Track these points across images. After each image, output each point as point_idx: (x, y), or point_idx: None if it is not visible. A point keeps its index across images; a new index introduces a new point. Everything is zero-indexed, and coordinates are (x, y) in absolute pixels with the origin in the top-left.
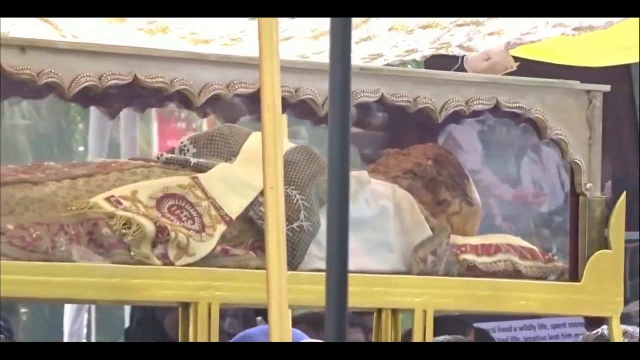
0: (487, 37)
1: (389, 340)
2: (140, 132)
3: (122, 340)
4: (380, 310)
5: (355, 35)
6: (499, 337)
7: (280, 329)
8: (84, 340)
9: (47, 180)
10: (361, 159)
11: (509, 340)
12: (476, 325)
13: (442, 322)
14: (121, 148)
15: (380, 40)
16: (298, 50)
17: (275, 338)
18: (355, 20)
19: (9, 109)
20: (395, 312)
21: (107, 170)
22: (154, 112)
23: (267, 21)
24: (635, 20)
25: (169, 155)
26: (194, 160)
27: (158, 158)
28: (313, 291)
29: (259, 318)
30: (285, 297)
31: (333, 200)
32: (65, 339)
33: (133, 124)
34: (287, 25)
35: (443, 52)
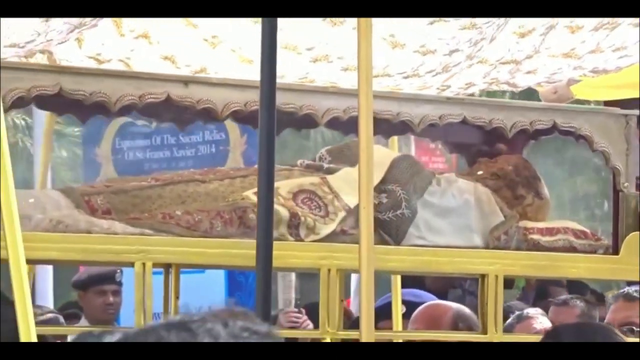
0: (525, 75)
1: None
2: None
3: None
4: (483, 276)
5: (431, 65)
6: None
7: (369, 292)
8: None
9: (213, 179)
10: (467, 164)
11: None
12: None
13: (567, 285)
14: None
15: (449, 74)
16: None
17: (365, 297)
18: (433, 53)
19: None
20: (497, 277)
21: (255, 172)
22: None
23: (365, 57)
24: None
25: (308, 162)
26: (326, 165)
27: (300, 164)
28: (410, 260)
29: None
30: (372, 266)
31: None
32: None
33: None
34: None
35: (494, 86)
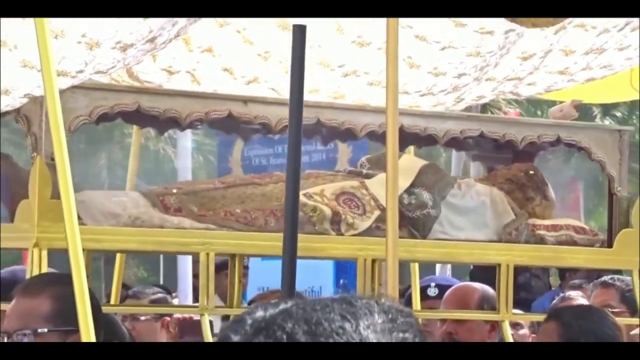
0: (526, 86)
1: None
2: None
3: None
4: (499, 265)
5: (442, 85)
6: None
7: (394, 278)
8: None
9: (269, 182)
10: (486, 170)
11: None
12: None
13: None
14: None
15: (459, 92)
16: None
17: (390, 282)
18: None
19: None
20: (508, 266)
21: (307, 177)
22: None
23: (392, 79)
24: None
25: (350, 168)
26: (365, 171)
27: (343, 170)
28: (434, 252)
29: None
30: (397, 256)
31: (289, 193)
32: None
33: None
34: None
35: (501, 97)
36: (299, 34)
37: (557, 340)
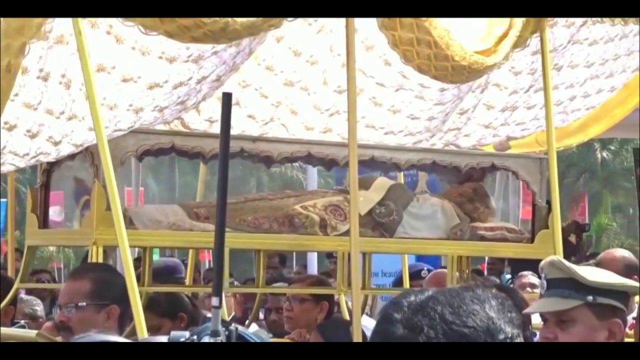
0: (464, 137)
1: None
2: None
3: None
4: (447, 256)
5: (400, 126)
6: None
7: (355, 266)
8: None
9: (277, 198)
10: (442, 188)
11: None
12: None
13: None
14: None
15: (415, 138)
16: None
17: (353, 267)
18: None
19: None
20: (460, 257)
21: (305, 194)
22: None
23: (352, 121)
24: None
25: (339, 187)
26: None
27: (333, 188)
28: (399, 247)
29: None
30: (357, 248)
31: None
32: None
33: None
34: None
35: (447, 147)
36: (226, 100)
37: None
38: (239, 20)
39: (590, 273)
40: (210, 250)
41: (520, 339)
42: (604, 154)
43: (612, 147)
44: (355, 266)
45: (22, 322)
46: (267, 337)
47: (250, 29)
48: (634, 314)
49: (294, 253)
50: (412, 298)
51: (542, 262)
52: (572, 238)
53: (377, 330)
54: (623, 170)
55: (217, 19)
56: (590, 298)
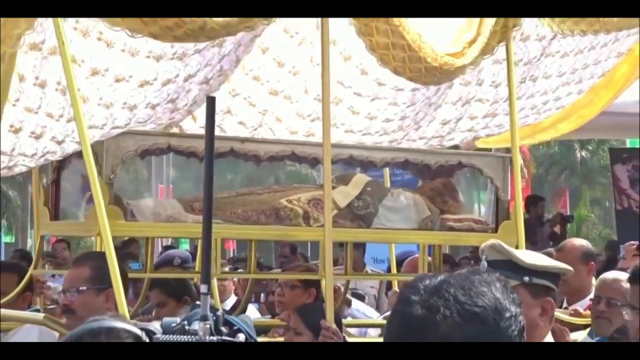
0: (449, 142)
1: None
2: None
3: None
4: (418, 244)
5: (376, 128)
6: None
7: (328, 251)
8: None
9: (265, 192)
10: (418, 183)
11: None
12: None
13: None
14: None
15: (390, 137)
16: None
17: (327, 253)
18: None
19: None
20: (434, 246)
21: (290, 188)
22: None
23: (326, 124)
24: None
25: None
26: (332, 185)
27: (319, 184)
28: (375, 237)
29: None
30: (330, 239)
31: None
32: None
33: None
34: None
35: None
36: (210, 102)
37: None
38: (216, 19)
39: (527, 256)
40: (235, 240)
41: (522, 317)
42: (583, 153)
43: (590, 147)
44: (329, 254)
45: (37, 307)
46: (251, 322)
47: (227, 29)
48: (591, 296)
49: (309, 243)
50: (427, 282)
51: (483, 245)
52: (557, 229)
53: (396, 310)
54: (600, 167)
55: (196, 18)
56: (526, 278)
